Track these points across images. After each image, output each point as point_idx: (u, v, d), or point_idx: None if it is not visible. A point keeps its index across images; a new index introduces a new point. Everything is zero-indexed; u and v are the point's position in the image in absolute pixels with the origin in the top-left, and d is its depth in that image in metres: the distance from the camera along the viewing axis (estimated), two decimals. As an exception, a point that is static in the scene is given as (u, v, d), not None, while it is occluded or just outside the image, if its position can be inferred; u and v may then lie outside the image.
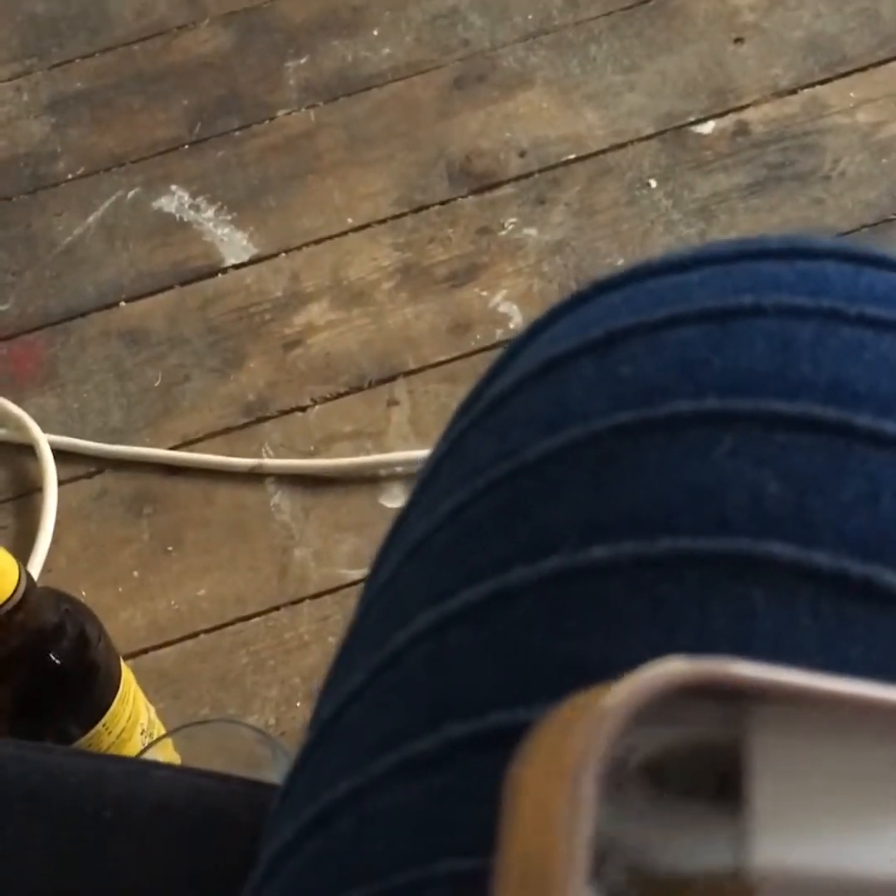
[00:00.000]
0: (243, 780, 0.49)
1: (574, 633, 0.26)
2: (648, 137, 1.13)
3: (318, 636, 0.93)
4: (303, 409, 1.03)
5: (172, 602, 0.95)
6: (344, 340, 1.06)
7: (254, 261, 1.11)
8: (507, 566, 0.28)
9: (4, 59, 1.26)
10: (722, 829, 0.17)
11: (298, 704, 0.91)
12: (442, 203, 1.12)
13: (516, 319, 1.05)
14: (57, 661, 0.73)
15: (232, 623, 0.94)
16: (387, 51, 1.22)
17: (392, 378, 1.04)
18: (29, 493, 1.02)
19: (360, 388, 1.04)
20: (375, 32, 1.23)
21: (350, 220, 1.12)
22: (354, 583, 0.95)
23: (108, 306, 1.10)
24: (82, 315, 1.10)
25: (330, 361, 1.05)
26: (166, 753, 0.72)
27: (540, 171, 1.13)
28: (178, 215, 1.14)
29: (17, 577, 0.69)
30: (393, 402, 1.03)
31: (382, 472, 0.99)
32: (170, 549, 0.98)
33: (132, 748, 0.77)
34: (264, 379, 1.05)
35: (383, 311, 1.07)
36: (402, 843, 0.26)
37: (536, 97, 1.17)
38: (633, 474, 0.27)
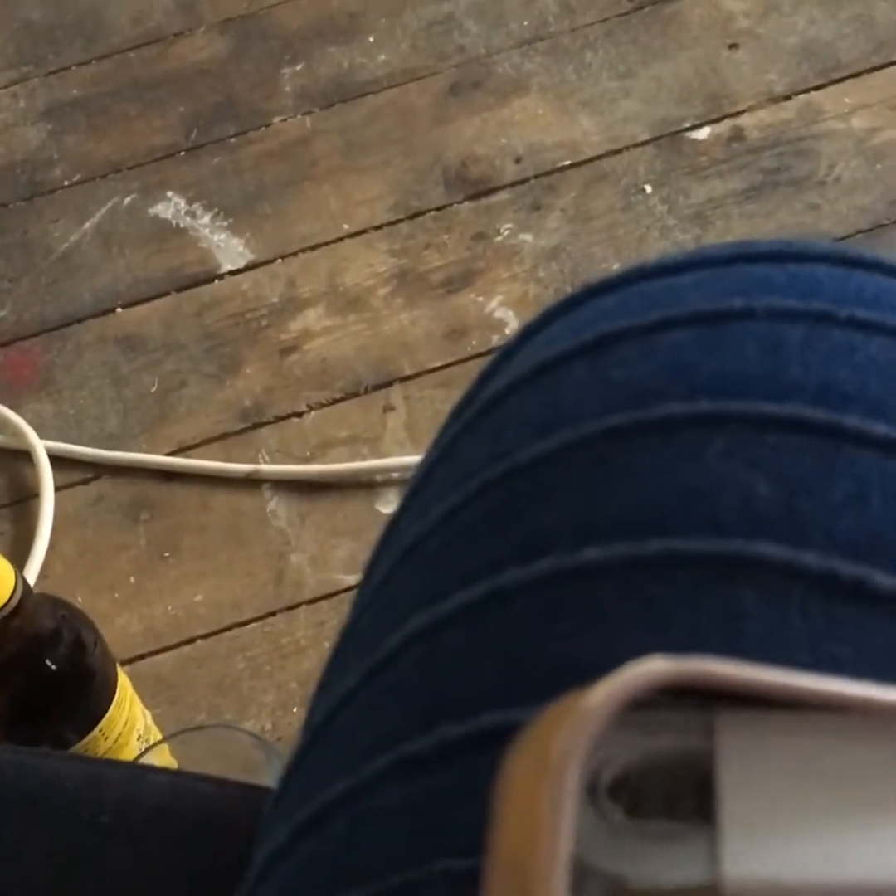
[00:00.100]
0: (240, 784, 0.49)
1: (566, 634, 0.26)
2: (644, 143, 1.13)
3: (314, 641, 0.93)
4: (299, 414, 1.03)
5: (169, 608, 0.96)
6: (340, 346, 1.06)
7: (250, 267, 1.11)
8: (500, 568, 0.28)
9: (1, 66, 1.27)
10: (697, 843, 0.17)
11: (295, 709, 0.91)
12: (438, 209, 1.12)
13: (512, 325, 1.05)
14: (53, 667, 0.73)
15: (228, 628, 0.94)
16: (383, 57, 1.22)
17: (388, 384, 1.04)
18: (25, 499, 1.02)
19: (356, 394, 1.04)
20: (371, 39, 1.23)
21: (346, 227, 1.12)
22: (351, 588, 0.95)
23: (105, 312, 1.10)
24: (79, 321, 1.10)
25: (326, 367, 1.05)
26: (163, 759, 0.72)
27: (535, 176, 1.13)
28: (174, 221, 1.15)
29: (13, 583, 0.69)
30: (389, 408, 1.03)
31: (378, 477, 1.00)
32: (166, 554, 0.98)
33: (129, 753, 0.77)
34: (261, 385, 1.05)
35: (379, 317, 1.07)
36: (396, 843, 0.26)
37: (532, 103, 1.17)
38: (625, 476, 0.28)
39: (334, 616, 0.94)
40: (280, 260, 1.11)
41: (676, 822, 0.17)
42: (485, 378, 0.34)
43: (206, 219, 1.14)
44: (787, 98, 1.15)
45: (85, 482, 1.02)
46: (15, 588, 0.69)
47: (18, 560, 0.96)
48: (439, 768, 0.26)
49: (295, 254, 1.11)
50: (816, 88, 1.15)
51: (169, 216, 1.15)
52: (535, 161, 1.14)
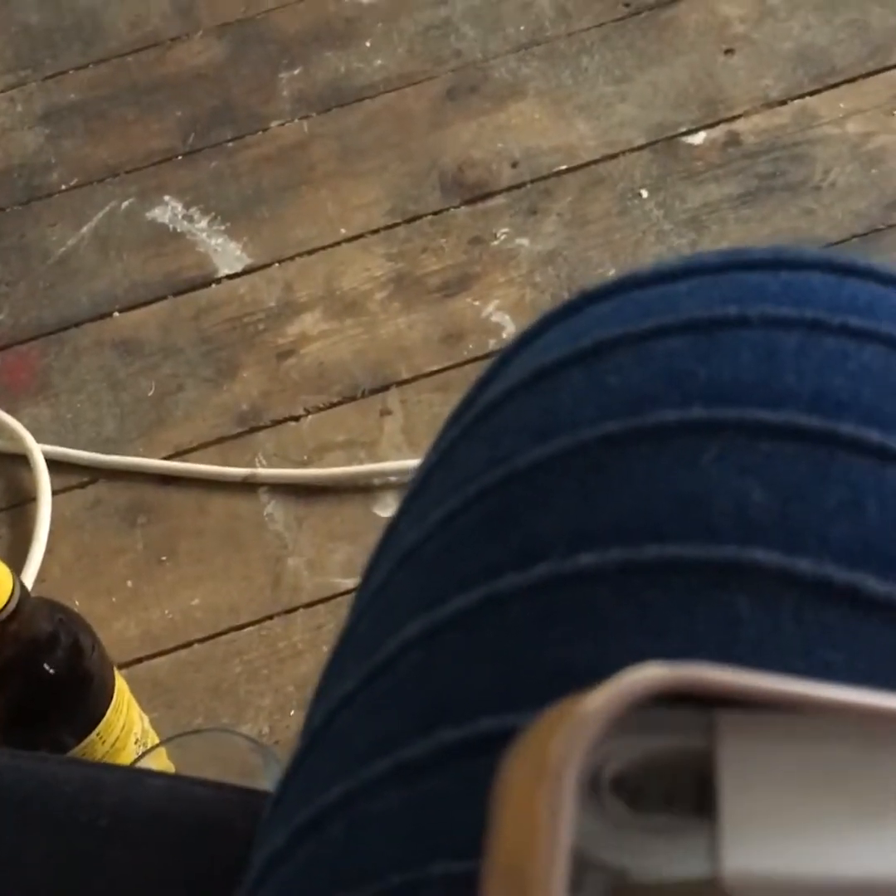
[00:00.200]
0: (237, 788, 0.49)
1: (563, 639, 0.26)
2: (640, 148, 1.14)
3: (311, 645, 0.93)
4: (296, 418, 1.03)
5: (166, 611, 0.96)
6: (337, 350, 1.06)
7: (247, 271, 1.11)
8: (498, 573, 0.28)
9: (-2, 70, 1.27)
10: (698, 838, 0.17)
11: (292, 713, 0.91)
12: (434, 213, 1.12)
13: (509, 329, 1.05)
14: (51, 671, 0.73)
15: (225, 632, 0.95)
16: (379, 62, 1.22)
17: (385, 388, 1.04)
18: (22, 503, 1.02)
19: (353, 398, 1.04)
20: (368, 44, 1.23)
21: (343, 231, 1.13)
22: (348, 592, 0.95)
23: (102, 316, 1.10)
24: (76, 325, 1.10)
25: (323, 371, 1.05)
26: (160, 762, 0.72)
27: (532, 181, 1.13)
28: (171, 226, 1.15)
29: (10, 587, 0.69)
30: (386, 412, 1.03)
31: (376, 481, 1.00)
32: (163, 558, 0.98)
33: (126, 757, 0.77)
34: (258, 389, 1.05)
35: (376, 321, 1.07)
36: (394, 846, 0.26)
37: (528, 108, 1.18)
38: (621, 482, 0.28)
39: (331, 620, 0.94)
40: (277, 264, 1.11)
41: (677, 817, 0.17)
42: (483, 383, 0.34)
43: (204, 223, 1.14)
44: (783, 103, 1.15)
45: (82, 486, 1.02)
46: (12, 592, 0.69)
47: (15, 564, 0.96)
48: (437, 772, 0.26)
49: (292, 258, 1.12)
50: (812, 94, 1.15)
51: (166, 220, 1.15)
52: (531, 166, 1.14)
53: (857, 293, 0.30)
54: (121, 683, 0.78)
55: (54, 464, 1.02)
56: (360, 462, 1.00)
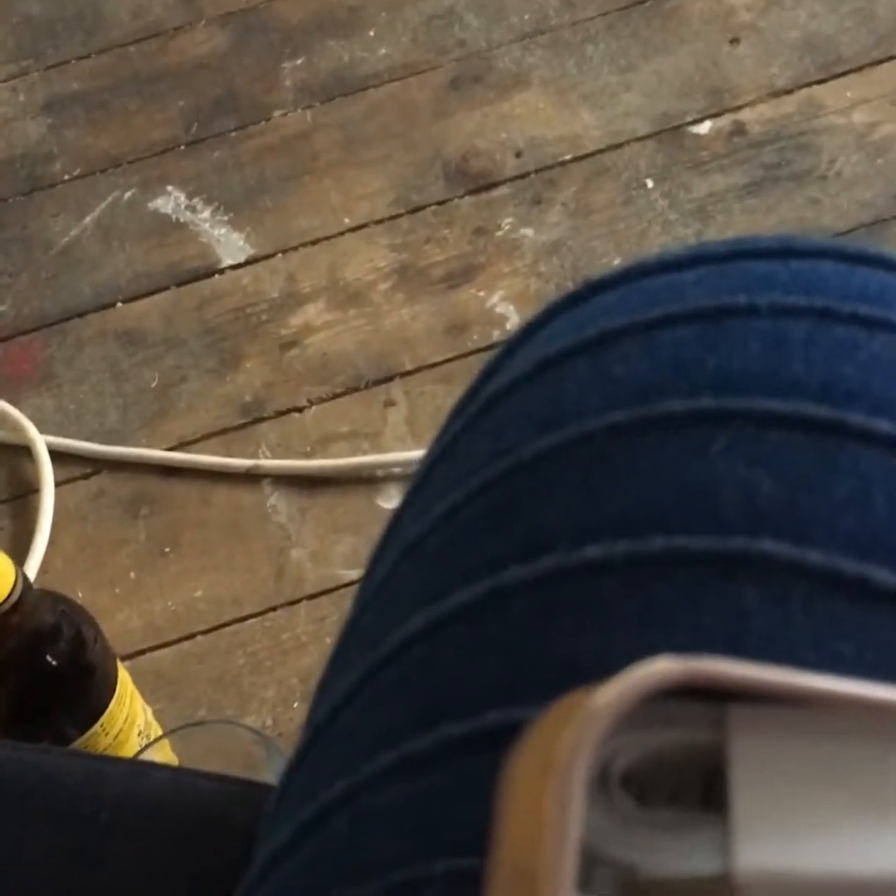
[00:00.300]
0: (240, 780, 0.49)
1: (568, 632, 0.26)
2: (645, 137, 1.13)
3: (315, 637, 0.93)
4: (299, 409, 1.03)
5: (169, 603, 0.95)
6: (340, 341, 1.06)
7: (250, 261, 1.11)
8: (502, 566, 0.28)
9: (0, 60, 1.26)
10: (708, 834, 0.17)
11: (295, 705, 0.91)
12: (438, 203, 1.12)
13: (513, 320, 1.05)
14: (53, 663, 0.73)
15: (229, 624, 0.94)
16: (383, 51, 1.22)
17: (389, 379, 1.04)
18: (25, 494, 1.02)
19: (356, 389, 1.04)
20: (372, 33, 1.23)
21: (346, 221, 1.12)
22: (351, 583, 0.95)
23: (105, 307, 1.10)
24: (79, 316, 1.10)
25: (326, 362, 1.05)
26: (163, 754, 0.72)
27: (536, 171, 1.13)
28: (174, 216, 1.14)
29: (13, 579, 0.69)
30: (390, 403, 1.03)
31: (379, 472, 0.99)
32: (167, 550, 0.98)
33: (129, 749, 0.77)
34: (261, 380, 1.05)
35: (380, 312, 1.07)
36: (398, 842, 0.26)
37: (533, 97, 1.17)
38: (627, 473, 0.27)
39: (335, 611, 0.94)
40: (280, 254, 1.11)
41: (686, 813, 0.17)
42: (487, 374, 0.33)
43: (207, 213, 1.14)
44: (789, 92, 1.14)
45: (85, 477, 1.02)
46: (15, 584, 0.69)
47: (18, 555, 0.96)
48: (441, 767, 0.26)
49: (295, 248, 1.11)
50: (818, 83, 1.15)
51: (169, 211, 1.15)
52: (535, 155, 1.14)
53: (868, 281, 0.30)
54: (124, 675, 0.78)
55: (57, 455, 1.02)
56: (364, 453, 1.00)
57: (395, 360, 1.04)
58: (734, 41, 1.18)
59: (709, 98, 1.15)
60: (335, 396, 1.03)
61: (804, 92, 1.14)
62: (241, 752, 0.70)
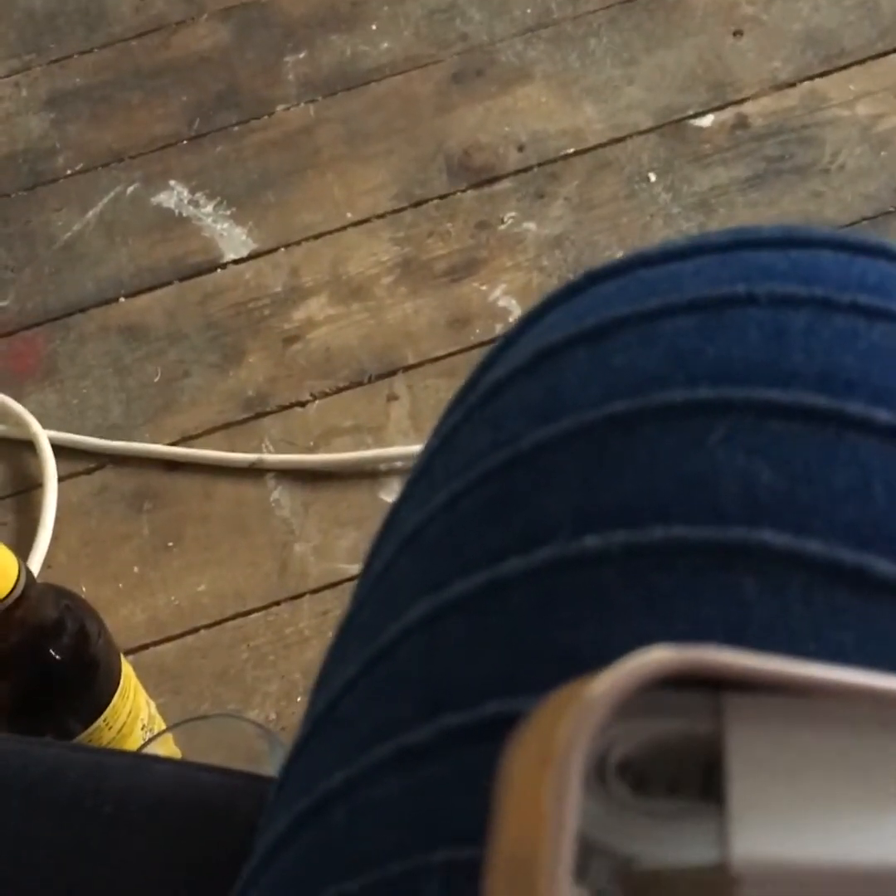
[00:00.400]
0: (243, 774, 0.49)
1: (567, 622, 0.26)
2: (647, 131, 1.13)
3: (318, 631, 0.93)
4: (302, 404, 1.03)
5: (172, 598, 0.96)
6: (343, 335, 1.06)
7: (253, 256, 1.11)
8: (501, 556, 0.28)
9: (3, 55, 1.26)
10: (705, 823, 0.17)
11: (298, 699, 0.91)
12: (441, 197, 1.12)
13: (516, 313, 1.05)
14: (57, 657, 0.73)
15: (232, 618, 0.94)
16: (385, 45, 1.22)
17: (391, 373, 1.04)
18: (29, 489, 1.02)
19: (359, 383, 1.04)
20: (374, 27, 1.23)
21: (349, 215, 1.12)
22: (354, 577, 0.94)
23: (108, 302, 1.10)
24: (82, 311, 1.10)
25: (329, 356, 1.05)
26: (167, 748, 0.72)
27: (539, 165, 1.13)
28: (177, 211, 1.14)
29: (17, 574, 0.69)
30: (392, 397, 1.03)
31: (382, 466, 0.99)
32: (170, 544, 0.98)
33: (133, 743, 0.77)
34: (264, 374, 1.05)
35: (382, 306, 1.07)
36: (397, 832, 0.26)
37: (535, 91, 1.17)
38: (626, 464, 0.27)
39: (338, 606, 0.94)
40: (283, 249, 1.11)
41: (683, 802, 0.17)
42: (486, 366, 0.33)
43: (209, 208, 1.14)
44: (792, 85, 1.14)
45: (88, 472, 1.02)
46: (19, 578, 0.69)
47: (22, 550, 0.96)
48: (439, 758, 0.26)
49: (298, 243, 1.11)
50: (821, 75, 1.14)
51: (172, 205, 1.15)
52: (538, 149, 1.13)
53: (868, 271, 0.30)
54: (127, 669, 0.78)
55: (60, 450, 1.02)
56: (367, 447, 1.00)
57: (397, 354, 1.04)
58: (737, 34, 1.18)
59: (711, 91, 1.15)
60: (338, 391, 1.03)
61: (807, 85, 1.14)
62: (244, 745, 0.70)
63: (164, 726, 0.82)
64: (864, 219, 1.06)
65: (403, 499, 0.33)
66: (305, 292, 1.09)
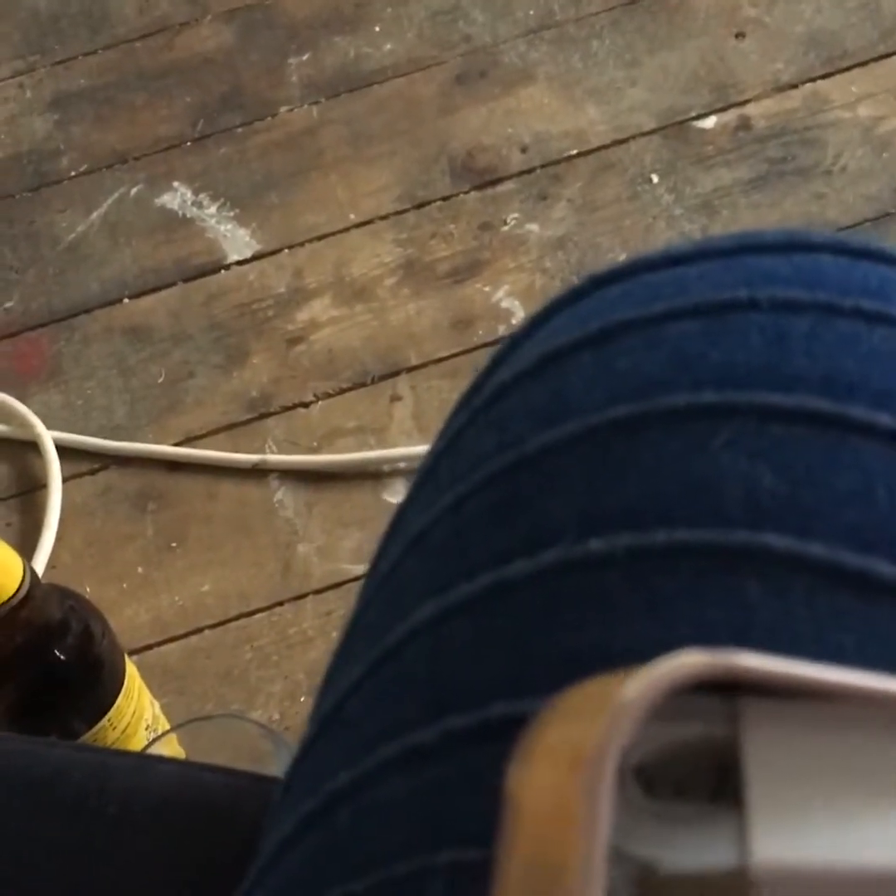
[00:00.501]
0: (248, 774, 0.49)
1: (572, 625, 0.26)
2: (650, 132, 1.13)
3: (321, 631, 0.93)
4: (306, 405, 1.03)
5: (176, 598, 0.96)
6: (347, 336, 1.06)
7: (257, 257, 1.11)
8: (506, 559, 0.28)
9: (7, 56, 1.26)
10: (722, 828, 0.17)
11: (302, 699, 0.91)
12: (444, 199, 1.12)
13: (519, 315, 1.05)
14: (61, 658, 0.73)
15: (236, 619, 0.95)
16: (389, 47, 1.22)
17: (395, 374, 1.04)
18: (33, 489, 1.02)
19: (362, 384, 1.04)
20: (377, 28, 1.23)
21: (352, 217, 1.12)
22: (358, 578, 0.95)
23: (112, 303, 1.10)
24: (86, 312, 1.10)
25: (333, 357, 1.05)
26: (171, 749, 0.72)
27: (542, 166, 1.13)
28: (180, 212, 1.15)
29: (21, 574, 0.69)
30: (396, 398, 1.03)
31: (385, 467, 1.00)
32: (174, 545, 0.98)
33: (137, 743, 0.77)
34: (267, 375, 1.05)
35: (386, 307, 1.07)
36: (402, 834, 0.26)
37: (538, 93, 1.17)
38: (630, 467, 0.28)
39: (341, 606, 0.94)
40: (287, 250, 1.11)
41: (696, 806, 0.17)
42: (491, 369, 0.34)
43: (213, 209, 1.14)
44: (794, 87, 1.14)
45: (92, 472, 1.02)
46: (23, 579, 0.69)
47: (26, 551, 0.97)
48: (445, 759, 0.26)
49: (301, 244, 1.11)
50: (823, 77, 1.14)
51: (175, 206, 1.15)
52: (541, 151, 1.14)
53: (869, 275, 0.30)
54: (131, 670, 0.78)
55: (64, 450, 1.02)
56: (370, 448, 1.00)
57: (401, 355, 1.04)
58: (739, 36, 1.18)
59: (714, 93, 1.15)
60: (341, 392, 1.03)
61: (809, 86, 1.14)
62: (247, 746, 0.70)
63: (168, 727, 0.82)
64: (866, 220, 1.06)
65: (410, 500, 0.33)
66: (309, 293, 1.09)
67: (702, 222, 1.08)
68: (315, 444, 1.01)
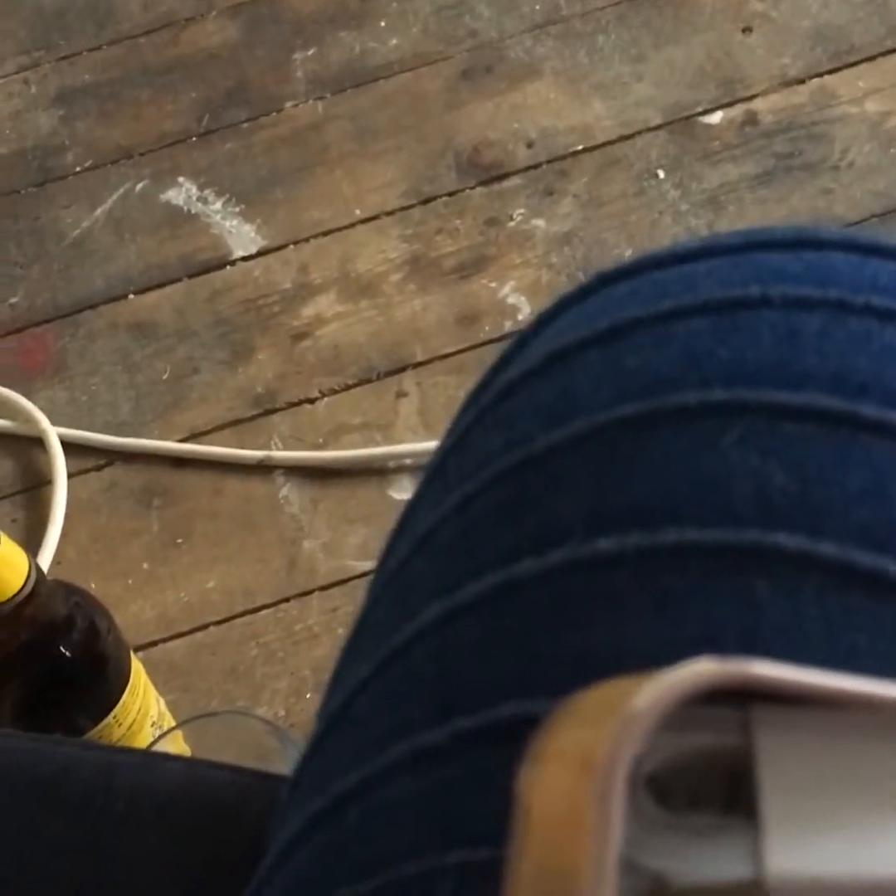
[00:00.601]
0: (253, 771, 0.49)
1: (581, 624, 0.26)
2: (656, 128, 1.13)
3: (327, 628, 0.93)
4: (311, 401, 1.03)
5: (182, 594, 0.96)
6: (352, 332, 1.06)
7: (262, 253, 1.11)
8: (515, 558, 0.28)
9: (12, 51, 1.26)
10: (736, 839, 0.16)
11: (308, 696, 0.91)
12: (450, 194, 1.12)
13: (525, 311, 1.05)
14: (67, 654, 0.73)
15: (241, 615, 0.94)
16: (394, 42, 1.22)
17: (400, 370, 1.04)
18: (38, 485, 1.02)
19: (368, 380, 1.04)
20: (383, 24, 1.23)
21: (358, 212, 1.12)
22: (363, 574, 0.95)
23: (117, 299, 1.10)
24: (91, 307, 1.10)
25: (338, 353, 1.05)
26: (176, 745, 0.72)
27: (548, 161, 1.13)
28: (186, 207, 1.14)
29: (26, 570, 0.69)
30: (401, 394, 1.03)
31: (391, 463, 0.99)
32: (179, 541, 0.98)
33: (142, 740, 0.77)
34: (273, 371, 1.05)
35: (391, 303, 1.07)
36: (411, 834, 0.26)
37: (544, 88, 1.17)
38: (639, 466, 0.27)
39: (347, 602, 0.94)
40: (292, 246, 1.11)
41: (709, 817, 0.17)
42: (498, 367, 0.33)
43: (218, 205, 1.14)
44: (801, 82, 1.14)
45: (97, 468, 1.02)
46: (28, 575, 0.69)
47: (32, 547, 0.97)
48: (453, 759, 0.26)
49: (307, 240, 1.11)
50: (830, 72, 1.14)
51: (181, 202, 1.15)
52: (547, 146, 1.13)
53: (880, 272, 0.30)
54: (137, 666, 0.78)
55: (70, 446, 1.02)
56: (376, 444, 1.00)
57: (406, 351, 1.04)
58: (746, 30, 1.17)
59: (721, 88, 1.15)
60: (347, 388, 1.03)
61: (816, 81, 1.14)
62: (253, 742, 0.70)
63: (173, 723, 0.82)
64: (874, 215, 1.06)
65: (418, 498, 0.33)
66: (314, 289, 1.09)
67: (708, 218, 1.08)
68: (320, 440, 1.01)
